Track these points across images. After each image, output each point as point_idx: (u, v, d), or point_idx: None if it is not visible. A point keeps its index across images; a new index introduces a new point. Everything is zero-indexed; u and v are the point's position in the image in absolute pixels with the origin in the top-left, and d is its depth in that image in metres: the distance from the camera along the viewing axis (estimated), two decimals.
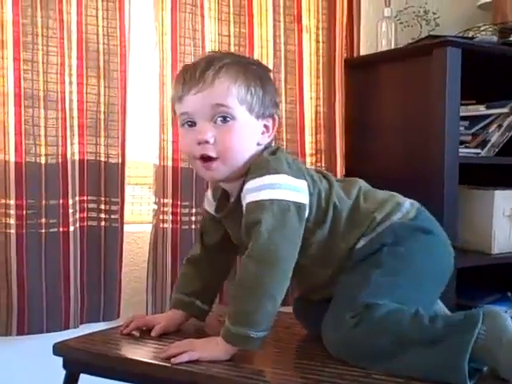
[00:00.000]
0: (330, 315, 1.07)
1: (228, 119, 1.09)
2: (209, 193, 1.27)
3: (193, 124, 1.11)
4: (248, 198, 1.06)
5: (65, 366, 1.13)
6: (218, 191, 1.23)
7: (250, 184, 1.06)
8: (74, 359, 1.13)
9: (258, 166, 1.08)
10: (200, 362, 1.01)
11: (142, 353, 1.09)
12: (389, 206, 1.15)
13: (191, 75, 1.09)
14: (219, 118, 1.09)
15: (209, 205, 1.27)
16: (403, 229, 1.12)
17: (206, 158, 1.10)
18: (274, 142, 1.94)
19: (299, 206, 1.06)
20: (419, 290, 1.10)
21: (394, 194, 1.21)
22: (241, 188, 1.10)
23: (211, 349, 1.03)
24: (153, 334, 1.17)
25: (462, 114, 1.88)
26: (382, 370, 0.98)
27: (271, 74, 1.21)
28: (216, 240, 1.26)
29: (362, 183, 1.22)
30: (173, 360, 1.01)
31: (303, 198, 1.07)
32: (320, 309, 1.11)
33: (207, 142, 1.08)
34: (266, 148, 1.15)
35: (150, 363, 1.03)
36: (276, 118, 1.16)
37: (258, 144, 1.13)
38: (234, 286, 1.06)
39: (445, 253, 1.17)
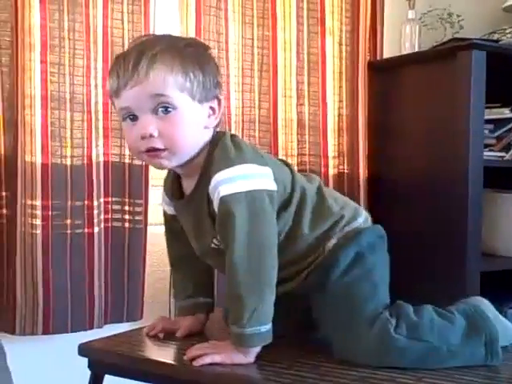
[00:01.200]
0: (354, 326, 1.06)
1: (170, 109, 1.04)
2: (163, 193, 1.24)
3: (134, 117, 1.06)
4: (222, 190, 1.03)
5: (90, 366, 1.14)
6: (167, 182, 1.20)
7: (221, 175, 1.03)
8: (99, 360, 1.14)
9: (222, 155, 1.06)
10: (223, 365, 1.01)
11: (166, 354, 1.10)
12: (353, 207, 1.19)
13: (124, 68, 1.03)
14: (160, 109, 1.04)
15: (166, 205, 1.24)
16: (372, 234, 1.15)
17: (151, 150, 1.06)
18: (297, 143, 1.97)
19: (271, 194, 1.05)
20: (387, 286, 1.14)
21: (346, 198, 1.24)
22: (201, 172, 1.08)
23: (235, 352, 1.03)
24: (178, 335, 1.18)
25: (486, 117, 1.86)
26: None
27: (210, 52, 1.15)
28: (180, 235, 1.22)
29: (319, 179, 1.22)
30: (194, 362, 1.01)
31: (272, 184, 1.06)
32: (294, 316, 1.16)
33: (151, 136, 1.04)
34: (218, 133, 1.12)
35: (174, 365, 1.04)
36: (221, 98, 1.12)
37: (206, 127, 1.10)
38: (228, 287, 1.04)
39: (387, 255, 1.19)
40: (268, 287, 1.02)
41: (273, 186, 1.06)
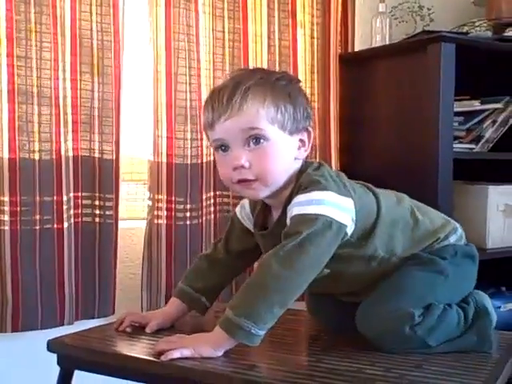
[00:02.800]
0: (387, 308, 1.08)
1: (261, 141, 1.08)
2: (246, 204, 1.25)
3: (226, 148, 1.10)
4: (294, 210, 1.06)
5: (59, 362, 1.12)
6: (257, 207, 1.22)
7: (298, 198, 1.06)
8: (69, 356, 1.12)
9: (306, 183, 1.08)
10: (193, 358, 1.00)
11: (136, 349, 1.09)
12: (449, 227, 1.20)
13: (219, 101, 1.08)
14: (252, 141, 1.08)
15: (244, 216, 1.26)
16: (460, 250, 1.18)
17: (243, 181, 1.10)
18: None
19: (340, 226, 1.05)
20: (457, 297, 1.17)
21: (442, 214, 1.26)
22: (285, 203, 1.10)
23: (203, 345, 1.02)
24: (147, 330, 1.17)
25: (456, 109, 1.88)
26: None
27: (300, 85, 1.19)
28: (240, 248, 1.26)
29: (408, 199, 1.23)
30: (162, 357, 1.00)
31: (346, 218, 1.06)
32: (341, 306, 1.19)
33: (243, 167, 1.08)
34: (306, 163, 1.14)
35: (144, 359, 1.02)
36: (310, 130, 1.15)
37: (296, 159, 1.13)
38: (253, 274, 1.05)
39: (475, 276, 1.22)
40: (279, 303, 1.01)
41: (345, 220, 1.06)
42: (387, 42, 2.10)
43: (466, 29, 2.13)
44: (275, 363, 1.02)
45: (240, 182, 1.10)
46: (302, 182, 1.09)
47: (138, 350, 1.09)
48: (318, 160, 1.20)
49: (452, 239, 1.19)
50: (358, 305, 1.13)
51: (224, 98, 1.08)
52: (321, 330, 1.25)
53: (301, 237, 1.01)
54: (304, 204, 1.05)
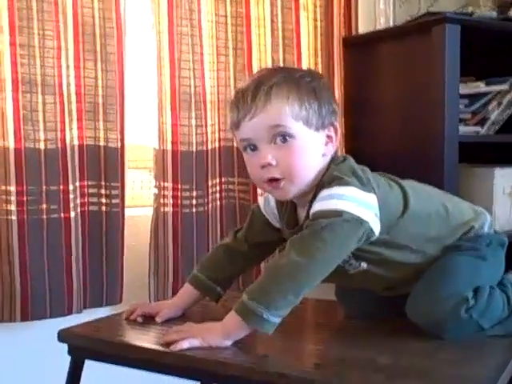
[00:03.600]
0: (438, 292, 1.09)
1: (287, 138, 1.08)
2: (271, 198, 1.25)
3: (254, 148, 1.11)
4: (316, 206, 1.06)
5: (70, 352, 1.13)
6: (284, 204, 1.21)
7: (321, 194, 1.06)
8: (79, 346, 1.13)
9: (329, 179, 1.08)
10: (203, 348, 1.01)
11: (146, 339, 1.09)
12: (481, 218, 1.22)
13: (243, 101, 1.09)
14: (279, 138, 1.08)
15: (267, 210, 1.26)
16: (494, 239, 1.21)
17: (272, 180, 1.10)
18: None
19: (361, 223, 1.04)
20: (495, 281, 1.19)
21: (471, 204, 1.27)
22: (311, 200, 1.10)
23: (212, 335, 1.03)
24: (157, 319, 1.18)
25: (461, 91, 1.87)
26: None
27: (325, 80, 1.20)
28: (260, 240, 1.27)
29: (433, 188, 1.25)
30: (172, 347, 1.01)
31: (368, 214, 1.05)
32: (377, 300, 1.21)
33: (270, 165, 1.08)
34: (333, 158, 1.14)
35: (154, 349, 1.03)
36: (336, 125, 1.15)
37: (324, 155, 1.13)
38: (269, 264, 1.06)
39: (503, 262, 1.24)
40: (294, 291, 1.00)
41: (366, 216, 1.04)
42: (391, 24, 2.08)
43: (470, 9, 2.11)
44: (287, 353, 1.03)
45: (269, 181, 1.10)
46: (325, 178, 1.09)
47: (148, 339, 1.09)
48: (345, 155, 1.19)
49: (486, 228, 1.22)
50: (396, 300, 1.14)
51: (248, 97, 1.09)
52: (329, 318, 1.26)
53: (319, 226, 1.02)
54: (326, 199, 1.05)
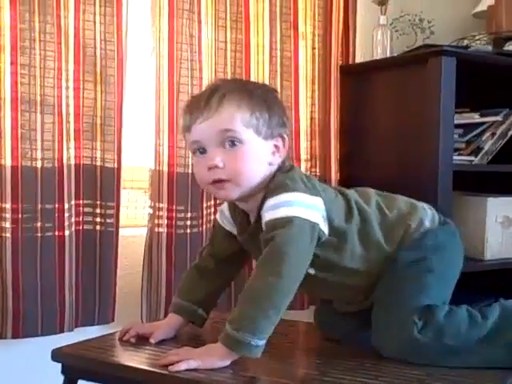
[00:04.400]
0: (389, 319, 1.12)
1: (236, 143, 1.12)
2: (225, 209, 1.28)
3: (204, 151, 1.14)
4: (266, 216, 1.09)
5: (63, 371, 1.13)
6: (235, 211, 1.25)
7: (268, 202, 1.10)
8: (73, 365, 1.13)
9: (275, 186, 1.11)
10: (198, 370, 1.01)
11: (140, 360, 1.10)
12: (418, 213, 1.23)
13: (197, 105, 1.14)
14: (227, 143, 1.12)
15: (224, 221, 1.28)
16: (439, 234, 1.22)
17: (216, 181, 1.13)
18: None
19: (313, 226, 1.08)
20: (449, 287, 1.22)
21: (411, 199, 1.28)
22: (259, 208, 1.13)
23: (209, 357, 1.04)
24: (151, 340, 1.18)
25: (456, 121, 1.89)
26: (445, 365, 1.08)
27: (277, 95, 1.25)
28: (227, 253, 1.29)
29: (373, 191, 1.27)
30: (170, 368, 1.02)
31: (317, 217, 1.10)
32: (348, 319, 1.24)
33: (217, 167, 1.12)
34: (280, 167, 1.17)
35: (150, 370, 1.03)
36: (285, 137, 1.18)
37: (271, 164, 1.16)
38: (244, 289, 1.07)
39: (462, 252, 1.28)
40: (274, 310, 1.03)
41: (317, 219, 1.09)
42: (388, 54, 2.11)
43: (466, 42, 2.15)
44: (278, 375, 1.03)
45: (214, 182, 1.13)
46: (271, 185, 1.12)
47: (141, 360, 1.10)
48: (291, 164, 1.23)
49: (427, 223, 1.22)
50: (363, 317, 1.15)
51: (202, 102, 1.13)
52: (323, 342, 1.26)
53: (278, 241, 1.05)
54: (275, 208, 1.08)
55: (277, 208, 1.08)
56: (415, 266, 1.16)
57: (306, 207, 1.08)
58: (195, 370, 1.01)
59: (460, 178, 1.89)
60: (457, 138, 1.96)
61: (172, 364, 1.03)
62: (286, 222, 1.06)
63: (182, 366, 1.02)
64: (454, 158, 1.90)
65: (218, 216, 1.31)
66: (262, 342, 1.03)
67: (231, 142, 1.12)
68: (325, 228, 1.11)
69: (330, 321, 1.32)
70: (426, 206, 1.27)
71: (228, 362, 1.04)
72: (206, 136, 1.13)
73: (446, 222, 1.27)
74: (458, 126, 1.94)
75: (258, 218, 1.14)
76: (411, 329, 1.09)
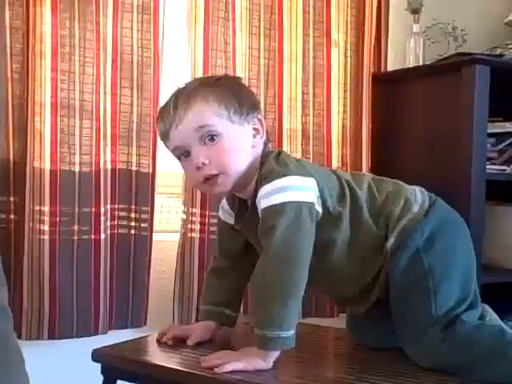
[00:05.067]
0: (411, 329, 1.12)
1: (214, 137, 1.14)
2: (224, 202, 1.29)
3: (187, 154, 1.16)
4: (262, 203, 1.10)
5: (103, 371, 1.15)
6: (234, 201, 1.26)
7: (262, 190, 1.11)
8: (112, 366, 1.15)
9: (266, 173, 1.12)
10: (243, 371, 1.03)
11: (178, 361, 1.11)
12: (404, 196, 1.19)
13: (167, 112, 1.16)
14: (207, 138, 1.14)
15: (225, 215, 1.29)
16: (431, 223, 1.17)
17: (208, 178, 1.15)
18: (302, 153, 1.99)
19: (309, 206, 1.09)
20: (463, 276, 1.15)
21: (401, 183, 1.26)
22: (254, 195, 1.14)
23: (252, 358, 1.06)
24: (189, 342, 1.20)
25: (489, 130, 1.89)
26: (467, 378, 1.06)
27: (241, 80, 1.29)
28: (236, 249, 1.29)
29: (369, 176, 1.26)
30: (216, 369, 1.04)
31: (312, 196, 1.11)
32: (379, 325, 1.21)
33: (204, 164, 1.13)
34: (267, 153, 1.18)
35: (189, 372, 1.05)
36: (261, 117, 1.20)
37: (254, 147, 1.18)
38: (252, 290, 1.09)
39: (467, 232, 1.23)
40: (292, 297, 1.05)
41: (312, 199, 1.10)
42: (420, 63, 2.11)
43: (499, 50, 2.14)
44: (313, 379, 1.04)
45: (206, 180, 1.15)
46: (263, 172, 1.14)
47: (179, 362, 1.12)
48: (279, 149, 1.24)
49: (415, 207, 1.18)
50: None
51: (170, 108, 1.15)
52: (356, 348, 1.27)
53: (279, 231, 1.05)
54: (268, 195, 1.09)
55: (271, 195, 1.09)
56: (413, 274, 1.13)
57: (299, 190, 1.09)
58: (241, 371, 1.03)
59: (493, 187, 1.88)
60: (489, 147, 1.95)
61: (216, 366, 1.04)
62: (282, 209, 1.07)
63: (228, 368, 1.04)
64: (487, 167, 1.90)
65: (220, 213, 1.32)
66: (292, 332, 1.05)
67: (210, 136, 1.13)
68: (319, 208, 1.12)
69: (361, 327, 1.31)
70: (417, 188, 1.24)
71: (271, 362, 1.06)
72: (184, 139, 1.14)
73: (435, 202, 1.22)
74: (490, 135, 1.94)
75: (253, 206, 1.15)
76: (431, 340, 1.09)
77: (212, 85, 1.18)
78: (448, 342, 1.08)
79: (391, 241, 1.15)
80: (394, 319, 1.16)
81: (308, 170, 1.14)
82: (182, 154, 1.17)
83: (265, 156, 1.18)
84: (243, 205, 1.22)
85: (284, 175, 1.10)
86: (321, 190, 1.12)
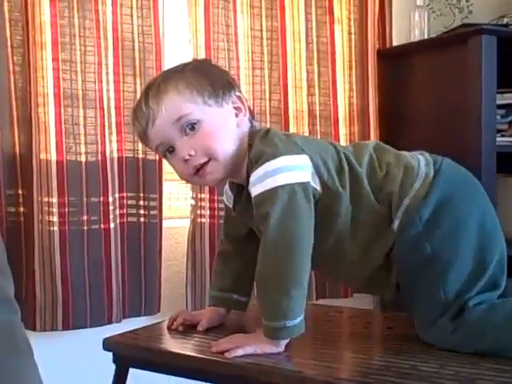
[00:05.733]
0: (422, 318, 1.08)
1: (195, 125, 1.09)
2: (227, 188, 1.26)
3: (172, 149, 1.12)
4: (253, 190, 1.06)
5: (115, 360, 1.15)
6: (233, 186, 1.22)
7: (253, 176, 1.06)
8: (124, 354, 1.15)
9: (255, 156, 1.07)
10: (254, 355, 1.02)
11: (190, 347, 1.11)
12: (402, 171, 1.09)
13: (140, 112, 1.11)
14: (187, 129, 1.09)
15: (229, 200, 1.26)
16: (434, 199, 1.06)
17: (199, 168, 1.10)
18: (309, 133, 1.97)
19: (304, 186, 1.04)
20: (483, 252, 1.07)
21: (403, 153, 1.16)
22: (247, 180, 1.09)
23: (264, 342, 1.05)
24: (199, 328, 1.19)
25: (498, 102, 1.86)
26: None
27: (210, 61, 1.25)
28: (240, 233, 1.26)
29: (372, 145, 1.17)
30: (227, 354, 1.03)
31: (306, 175, 1.05)
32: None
33: (190, 156, 1.09)
34: (254, 133, 1.13)
35: (201, 357, 1.04)
36: (239, 94, 1.16)
37: (238, 126, 1.13)
38: (256, 280, 1.07)
39: (480, 201, 1.12)
40: (294, 285, 1.02)
41: (306, 177, 1.05)
42: (426, 36, 2.08)
43: (505, 20, 2.11)
44: (329, 360, 1.03)
45: (196, 171, 1.10)
46: (251, 156, 1.08)
47: (191, 348, 1.11)
48: (266, 127, 1.20)
49: (417, 183, 1.07)
50: None
51: (142, 106, 1.11)
52: (370, 327, 1.26)
53: (275, 218, 1.01)
54: (259, 180, 1.05)
55: (262, 181, 1.04)
56: (417, 259, 1.06)
57: (290, 170, 1.04)
58: (252, 355, 1.02)
59: (503, 159, 1.86)
60: (499, 119, 1.93)
61: (227, 351, 1.03)
62: (274, 194, 1.02)
63: (239, 352, 1.03)
64: (497, 139, 1.87)
65: (224, 197, 1.28)
66: (299, 318, 1.03)
67: (190, 125, 1.09)
68: (316, 185, 1.06)
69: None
70: (421, 157, 1.14)
71: (282, 347, 1.05)
72: (164, 134, 1.10)
73: (440, 170, 1.10)
74: (500, 107, 1.91)
75: (247, 191, 1.11)
76: (442, 330, 1.05)
77: (179, 73, 1.13)
78: (459, 333, 1.04)
79: (396, 223, 1.07)
80: (405, 305, 1.12)
81: (300, 146, 1.08)
82: (167, 150, 1.12)
83: (252, 135, 1.12)
84: (241, 190, 1.18)
85: (273, 157, 1.04)
86: (315, 166, 1.06)
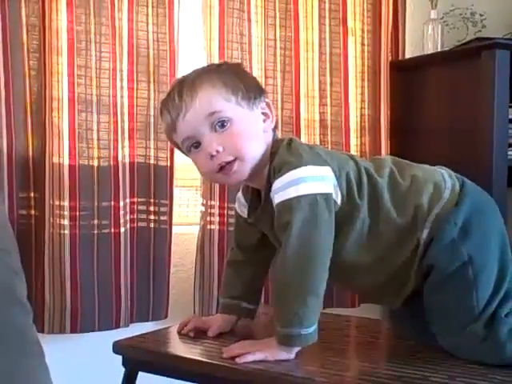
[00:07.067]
0: (450, 323, 1.08)
1: (225, 123, 1.09)
2: (240, 195, 1.26)
3: (198, 144, 1.11)
4: (276, 198, 1.06)
5: (124, 364, 1.15)
6: (248, 193, 1.22)
7: (276, 184, 1.06)
8: (134, 358, 1.15)
9: (279, 164, 1.07)
10: (265, 362, 1.03)
11: (200, 352, 1.11)
12: (431, 183, 1.12)
13: (172, 103, 1.11)
14: (217, 125, 1.09)
15: (241, 208, 1.26)
16: (464, 212, 1.08)
17: (224, 166, 1.10)
18: (320, 143, 1.98)
19: (326, 197, 1.05)
20: (505, 262, 1.09)
21: (427, 166, 1.19)
22: (267, 186, 1.10)
23: (275, 349, 1.05)
24: (210, 334, 1.20)
25: (510, 116, 1.86)
26: None
27: (243, 65, 1.26)
28: (251, 242, 1.26)
29: (390, 160, 1.18)
30: (237, 360, 1.03)
31: (328, 187, 1.06)
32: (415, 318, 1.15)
33: (218, 152, 1.08)
34: (278, 141, 1.14)
35: (210, 362, 1.05)
36: (268, 101, 1.17)
37: (265, 131, 1.14)
38: (275, 287, 1.07)
39: (499, 216, 1.16)
40: (312, 294, 1.02)
41: (328, 189, 1.05)
42: (439, 49, 2.09)
43: None
44: (339, 369, 1.03)
45: (221, 169, 1.10)
46: (275, 164, 1.09)
47: (201, 352, 1.12)
48: (290, 136, 1.20)
49: (446, 194, 1.10)
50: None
51: (175, 97, 1.10)
52: (379, 336, 1.26)
53: (296, 227, 1.02)
54: (283, 188, 1.05)
55: (285, 189, 1.04)
56: (452, 265, 1.06)
57: (314, 180, 1.04)
58: (263, 361, 1.03)
59: None
60: (511, 133, 1.92)
61: (238, 356, 1.04)
62: (296, 204, 1.02)
63: (249, 358, 1.03)
64: (509, 153, 1.87)
65: (235, 205, 1.28)
66: (313, 327, 1.03)
67: (220, 123, 1.09)
68: (337, 197, 1.07)
69: (401, 321, 1.26)
70: (443, 170, 1.17)
71: (293, 353, 1.05)
72: (194, 128, 1.09)
73: (464, 185, 1.13)
74: (511, 121, 1.91)
75: (266, 198, 1.12)
76: (472, 339, 1.05)
77: (215, 71, 1.14)
78: (490, 342, 1.04)
79: (425, 232, 1.08)
80: (429, 311, 1.11)
81: (323, 157, 1.09)
82: (192, 145, 1.12)
83: (275, 144, 1.13)
84: (257, 196, 1.19)
85: (297, 166, 1.05)
86: (337, 178, 1.08)
